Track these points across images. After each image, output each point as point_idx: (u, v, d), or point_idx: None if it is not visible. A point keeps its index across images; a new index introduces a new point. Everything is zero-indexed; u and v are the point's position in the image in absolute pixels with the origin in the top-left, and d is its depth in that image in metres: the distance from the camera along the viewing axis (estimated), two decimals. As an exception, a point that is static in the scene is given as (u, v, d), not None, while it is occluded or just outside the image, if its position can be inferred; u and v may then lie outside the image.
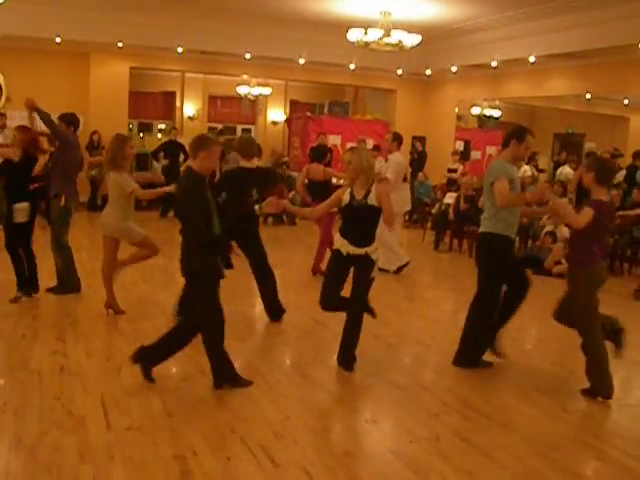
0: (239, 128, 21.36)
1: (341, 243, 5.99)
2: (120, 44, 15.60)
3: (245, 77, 18.97)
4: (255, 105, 21.16)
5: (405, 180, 11.82)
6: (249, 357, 6.28)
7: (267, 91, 20.02)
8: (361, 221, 5.94)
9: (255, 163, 7.48)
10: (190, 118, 20.09)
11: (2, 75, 16.49)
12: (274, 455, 4.25)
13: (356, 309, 6.02)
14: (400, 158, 10.48)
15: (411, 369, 6.28)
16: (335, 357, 6.09)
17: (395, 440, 4.68)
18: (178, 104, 20.11)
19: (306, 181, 10.48)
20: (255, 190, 7.46)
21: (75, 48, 16.18)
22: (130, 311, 7.45)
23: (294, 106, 21.60)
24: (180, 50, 16.14)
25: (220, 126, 20.76)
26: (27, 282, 7.73)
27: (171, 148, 16.36)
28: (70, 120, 8.14)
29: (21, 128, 7.79)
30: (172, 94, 20.15)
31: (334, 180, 11.26)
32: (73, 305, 7.79)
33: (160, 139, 19.07)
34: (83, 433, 4.47)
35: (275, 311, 7.53)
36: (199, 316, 5.27)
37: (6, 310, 7.28)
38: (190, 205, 5.09)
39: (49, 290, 8.01)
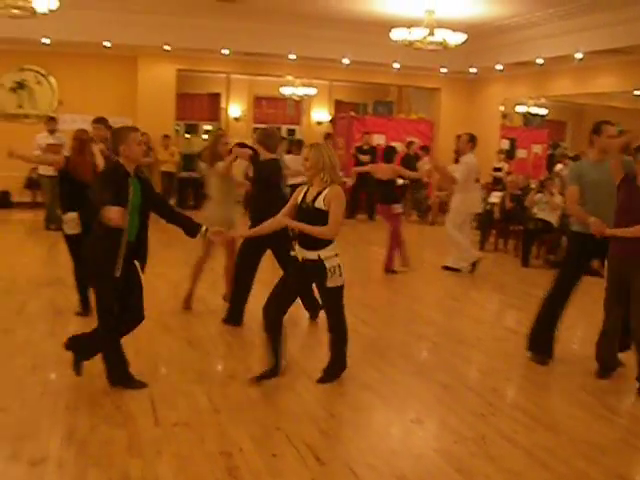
0: (284, 128, 21.46)
1: (296, 248, 5.46)
2: (167, 47, 15.82)
3: (290, 78, 19.07)
4: (300, 105, 21.26)
5: (478, 181, 11.76)
6: (294, 355, 6.32)
7: (312, 91, 20.10)
8: (304, 222, 5.33)
9: (276, 156, 7.33)
10: (235, 119, 20.26)
11: (55, 79, 16.86)
12: (319, 453, 4.28)
13: (333, 326, 5.64)
14: (471, 159, 10.38)
15: (456, 369, 6.25)
16: (376, 356, 6.09)
17: (440, 440, 4.68)
18: (223, 105, 20.28)
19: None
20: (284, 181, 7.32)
21: (124, 52, 16.46)
22: (178, 309, 7.57)
23: (338, 106, 21.63)
24: (226, 52, 16.30)
25: (265, 126, 20.86)
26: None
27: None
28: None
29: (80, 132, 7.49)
30: (218, 95, 20.33)
31: (400, 181, 11.32)
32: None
33: (206, 140, 19.25)
34: (132, 428, 4.57)
35: (314, 309, 7.46)
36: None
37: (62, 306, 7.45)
38: (100, 191, 4.95)
39: None
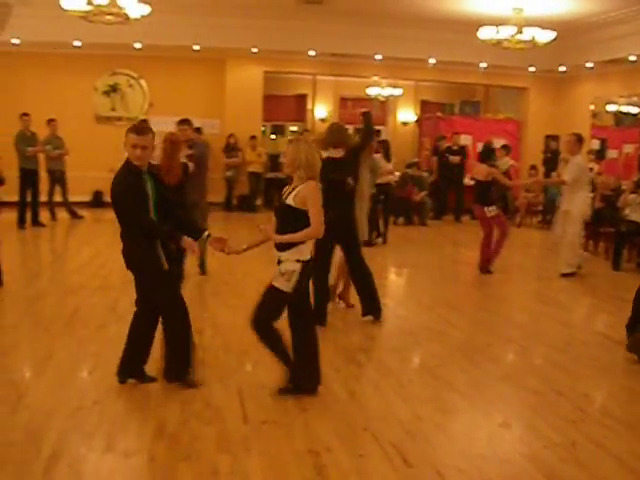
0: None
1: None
2: (254, 49, 16.06)
3: (375, 78, 19.06)
4: (385, 106, 21.20)
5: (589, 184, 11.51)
6: (381, 356, 6.33)
7: (397, 92, 20.03)
8: (279, 222, 5.15)
9: (341, 152, 7.15)
10: (322, 120, 20.35)
11: (146, 82, 17.35)
12: (407, 454, 4.27)
13: (254, 327, 5.16)
14: (579, 160, 10.15)
15: (544, 373, 6.12)
16: (464, 359, 6.03)
17: (528, 445, 4.59)
18: (309, 106, 20.41)
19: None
20: (350, 178, 7.14)
21: (212, 54, 16.80)
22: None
23: (424, 106, 21.46)
24: (312, 53, 16.42)
25: (351, 127, 20.91)
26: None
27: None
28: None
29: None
30: (304, 97, 20.47)
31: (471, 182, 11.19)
32: (212, 300, 8.10)
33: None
34: (220, 424, 4.65)
35: (376, 310, 7.40)
36: (159, 307, 5.21)
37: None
38: (122, 194, 4.97)
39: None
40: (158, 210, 5.12)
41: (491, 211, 10.08)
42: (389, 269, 11.19)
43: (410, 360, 6.32)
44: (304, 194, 4.97)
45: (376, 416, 4.88)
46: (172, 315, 5.19)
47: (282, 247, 5.04)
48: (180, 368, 5.25)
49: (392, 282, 10.22)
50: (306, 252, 5.06)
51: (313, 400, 5.12)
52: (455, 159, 16.64)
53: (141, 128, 5.10)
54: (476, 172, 10.27)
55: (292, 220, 5.02)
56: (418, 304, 7.73)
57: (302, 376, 5.15)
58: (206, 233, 5.22)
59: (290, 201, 5.01)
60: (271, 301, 5.10)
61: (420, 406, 5.12)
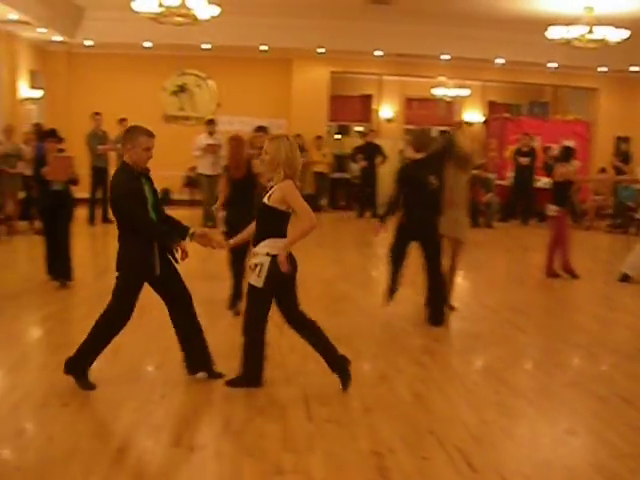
0: (435, 130, 21.29)
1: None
2: (321, 50, 16.13)
3: (442, 79, 18.93)
4: (452, 107, 21.03)
5: None
6: (446, 358, 6.29)
7: (464, 92, 19.85)
8: (257, 221, 5.18)
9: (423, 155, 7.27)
10: (387, 120, 20.30)
11: (213, 82, 17.60)
12: (471, 459, 4.22)
13: (243, 329, 5.26)
14: None
15: (613, 380, 5.99)
16: (530, 364, 5.95)
17: (595, 453, 4.51)
18: (375, 107, 20.38)
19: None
20: (433, 177, 7.14)
21: (279, 55, 16.95)
22: (329, 308, 7.71)
23: (492, 107, 21.21)
24: (378, 54, 16.40)
25: (416, 128, 20.81)
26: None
27: (368, 150, 16.67)
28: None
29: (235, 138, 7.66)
30: (369, 97, 20.45)
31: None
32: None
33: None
34: (285, 422, 4.69)
35: (438, 316, 7.31)
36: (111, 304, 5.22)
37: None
38: (124, 198, 5.01)
39: None
40: (156, 212, 5.20)
41: (552, 211, 9.92)
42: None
43: (475, 363, 6.25)
44: (279, 195, 4.97)
45: (441, 419, 4.85)
46: (111, 316, 5.21)
47: (256, 241, 5.09)
48: (80, 361, 5.19)
49: (457, 284, 10.08)
50: (275, 247, 5.01)
51: (377, 400, 5.14)
52: (524, 160, 16.38)
53: (151, 130, 5.17)
54: (560, 174, 10.05)
55: (268, 219, 5.07)
56: (483, 307, 7.65)
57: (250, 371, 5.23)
58: (191, 231, 5.26)
59: (266, 199, 5.05)
60: (250, 301, 5.20)
61: (485, 410, 5.07)
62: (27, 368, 5.85)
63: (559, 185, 10.01)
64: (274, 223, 5.05)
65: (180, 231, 5.26)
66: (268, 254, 4.99)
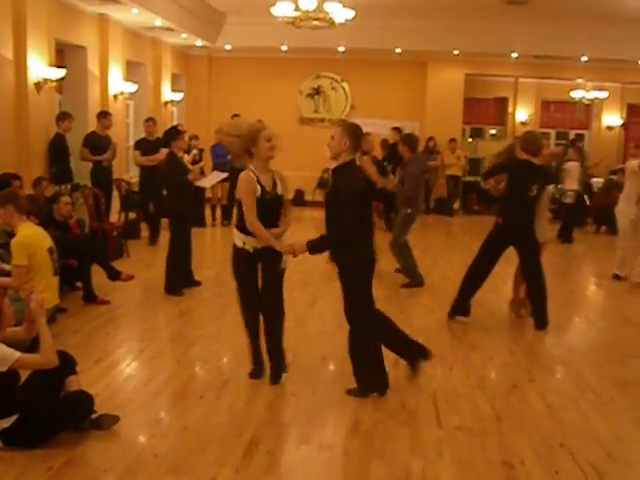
0: (572, 133, 20.63)
1: (245, 240, 5.26)
2: (456, 52, 15.95)
3: (580, 81, 18.30)
4: (589, 109, 20.29)
5: None
6: (580, 369, 6.04)
7: (602, 95, 19.10)
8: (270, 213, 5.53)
9: (540, 160, 7.14)
10: (522, 123, 19.83)
11: (348, 85, 17.79)
12: (606, 477, 4.07)
13: (277, 307, 5.41)
14: None
15: None
16: None
17: None
18: (510, 109, 19.96)
19: None
20: (535, 187, 7.00)
21: (413, 57, 16.90)
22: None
23: (631, 110, 20.31)
24: (514, 55, 16.05)
25: (552, 131, 20.25)
26: None
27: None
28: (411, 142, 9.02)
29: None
30: (504, 100, 20.04)
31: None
32: (408, 302, 8.13)
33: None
34: (414, 426, 4.69)
35: (541, 319, 7.19)
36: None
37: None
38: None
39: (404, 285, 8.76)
40: None
41: None
42: (589, 279, 10.72)
43: (612, 376, 5.98)
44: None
45: (574, 432, 4.69)
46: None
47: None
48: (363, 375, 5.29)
49: (593, 293, 9.77)
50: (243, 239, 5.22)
51: (508, 410, 5.04)
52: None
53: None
54: None
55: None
56: (620, 317, 7.34)
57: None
58: None
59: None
60: (280, 279, 5.42)
61: (622, 426, 4.86)
62: (167, 359, 6.10)
63: None
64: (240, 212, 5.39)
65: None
66: (234, 245, 5.40)
